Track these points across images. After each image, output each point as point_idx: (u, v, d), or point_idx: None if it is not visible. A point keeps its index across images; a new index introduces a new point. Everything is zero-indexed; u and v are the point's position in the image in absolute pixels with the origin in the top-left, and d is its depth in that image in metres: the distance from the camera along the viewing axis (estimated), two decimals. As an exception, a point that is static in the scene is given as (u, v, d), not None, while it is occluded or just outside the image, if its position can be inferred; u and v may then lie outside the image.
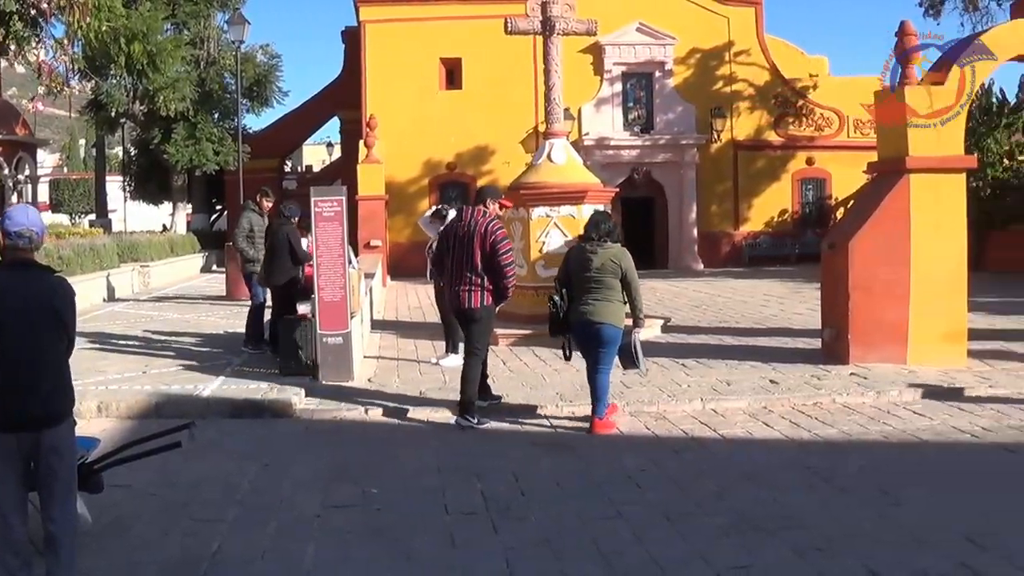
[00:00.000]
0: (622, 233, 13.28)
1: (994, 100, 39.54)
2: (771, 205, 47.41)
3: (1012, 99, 40.98)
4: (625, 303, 12.67)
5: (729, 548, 8.11)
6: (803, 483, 10.13)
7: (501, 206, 14.42)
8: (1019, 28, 18.28)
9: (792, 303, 27.17)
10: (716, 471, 10.66)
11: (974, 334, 18.17)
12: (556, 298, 12.88)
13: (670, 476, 10.39)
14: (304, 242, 17.38)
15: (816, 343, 18.08)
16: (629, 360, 12.90)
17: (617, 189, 28.44)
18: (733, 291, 31.69)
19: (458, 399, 13.24)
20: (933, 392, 14.66)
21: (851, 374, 15.82)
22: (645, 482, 10.14)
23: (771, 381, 15.33)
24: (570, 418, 13.34)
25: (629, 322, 12.85)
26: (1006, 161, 38.07)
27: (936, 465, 11.01)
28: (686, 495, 9.67)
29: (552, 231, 20.01)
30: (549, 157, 20.95)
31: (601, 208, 19.06)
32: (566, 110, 26.47)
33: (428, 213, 19.53)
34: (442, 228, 14.77)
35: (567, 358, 13.31)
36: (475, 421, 13.00)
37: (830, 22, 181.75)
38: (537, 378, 15.66)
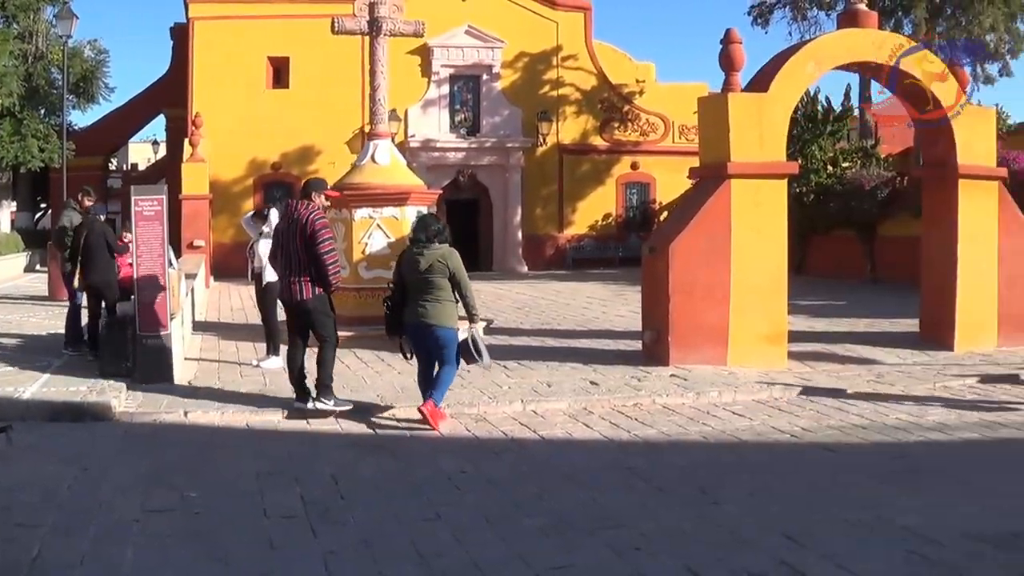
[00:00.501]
0: (450, 235, 13.34)
1: (819, 108, 40.29)
2: (595, 209, 47.84)
3: (838, 107, 41.82)
4: (457, 302, 12.79)
5: (548, 548, 8.12)
6: (622, 483, 10.21)
7: (327, 197, 14.46)
8: (845, 38, 18.73)
9: (614, 305, 27.42)
10: (536, 472, 10.70)
11: (795, 336, 18.61)
12: (389, 300, 13.06)
13: (490, 478, 10.39)
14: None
15: (637, 345, 18.28)
16: (470, 355, 12.96)
17: (441, 191, 28.44)
18: (556, 293, 31.89)
19: (294, 394, 13.51)
20: (756, 392, 14.98)
21: (671, 375, 16.05)
22: (465, 484, 10.14)
23: (592, 383, 15.45)
24: (391, 420, 13.28)
25: (465, 323, 12.99)
26: (830, 168, 38.77)
27: (755, 465, 11.20)
28: (505, 496, 9.67)
29: (375, 232, 19.92)
30: (373, 158, 20.85)
31: (424, 210, 19.09)
32: (392, 111, 26.44)
33: (250, 214, 19.40)
34: (273, 224, 14.82)
35: (406, 358, 13.34)
36: (331, 403, 13.18)
37: (658, 28, 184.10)
38: (358, 380, 15.57)
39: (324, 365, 13.27)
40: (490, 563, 7.74)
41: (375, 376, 15.86)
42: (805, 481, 10.40)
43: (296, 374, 13.49)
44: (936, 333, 19.98)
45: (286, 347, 14.04)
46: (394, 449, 11.81)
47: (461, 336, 12.94)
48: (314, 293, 13.14)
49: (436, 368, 13.05)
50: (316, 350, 13.45)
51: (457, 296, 12.77)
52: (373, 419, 13.28)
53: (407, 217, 19.61)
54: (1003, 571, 7.67)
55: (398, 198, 20.07)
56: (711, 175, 17.68)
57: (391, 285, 13.35)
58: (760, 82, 17.96)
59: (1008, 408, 14.39)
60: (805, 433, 12.72)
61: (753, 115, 17.45)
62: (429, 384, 13.05)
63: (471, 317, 13.02)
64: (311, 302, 13.16)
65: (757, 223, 17.26)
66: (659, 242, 17.61)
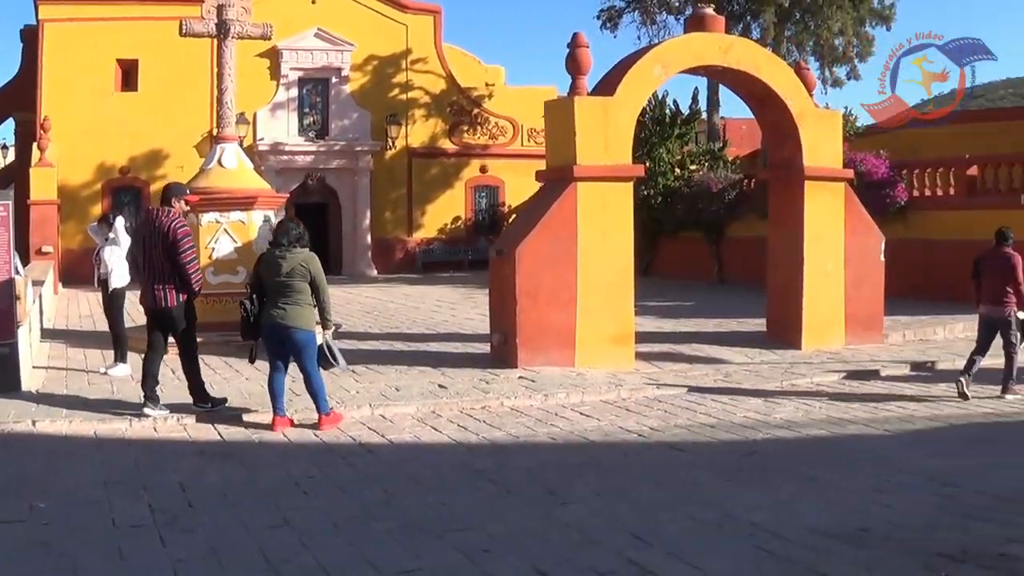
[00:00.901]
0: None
1: (667, 111, 40.64)
2: (445, 212, 47.82)
3: (686, 110, 42.23)
4: (314, 306, 12.81)
5: (396, 552, 8.10)
6: (470, 486, 10.25)
7: (187, 202, 14.57)
8: (691, 42, 18.97)
9: (464, 308, 27.47)
10: (384, 476, 10.67)
11: (643, 337, 18.79)
12: (247, 303, 12.95)
13: (337, 482, 10.35)
14: None
15: (486, 348, 18.40)
16: (326, 360, 13.02)
17: (289, 195, 28.28)
18: (406, 297, 31.86)
19: (140, 399, 13.47)
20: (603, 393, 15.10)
21: (519, 378, 16.16)
22: (312, 489, 10.10)
23: (440, 386, 15.48)
24: (239, 426, 13.14)
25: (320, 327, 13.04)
26: (677, 170, 39.18)
27: (603, 465, 11.28)
28: (353, 501, 9.65)
29: (222, 237, 19.65)
30: (220, 162, 20.60)
31: (272, 215, 19.04)
32: (240, 115, 26.21)
33: (96, 221, 19.17)
34: (119, 231, 14.77)
35: (251, 361, 13.44)
36: (210, 405, 13.56)
37: (508, 32, 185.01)
38: (206, 387, 15.41)
39: (193, 374, 13.53)
40: (338, 567, 7.70)
41: (223, 383, 15.66)
42: (653, 480, 10.49)
43: (151, 380, 13.41)
44: (783, 332, 20.35)
45: (135, 354, 13.92)
46: (242, 455, 11.68)
47: (318, 341, 12.99)
48: (178, 300, 13.22)
49: (286, 373, 13.10)
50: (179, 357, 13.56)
51: (314, 300, 12.79)
52: (221, 425, 13.14)
53: (254, 221, 19.46)
54: (851, 566, 7.79)
55: (245, 202, 19.85)
56: (558, 178, 17.80)
57: (248, 287, 13.39)
58: (606, 86, 18.11)
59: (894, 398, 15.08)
60: (653, 432, 12.87)
61: (599, 118, 17.59)
62: (280, 389, 13.03)
63: (325, 322, 13.04)
64: (175, 310, 13.25)
65: (603, 226, 17.42)
66: (506, 245, 17.69)
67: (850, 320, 20.64)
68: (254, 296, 12.93)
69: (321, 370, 13.10)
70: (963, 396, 15.43)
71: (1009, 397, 15.70)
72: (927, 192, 29.74)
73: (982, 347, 16.25)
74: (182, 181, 17.54)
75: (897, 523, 8.86)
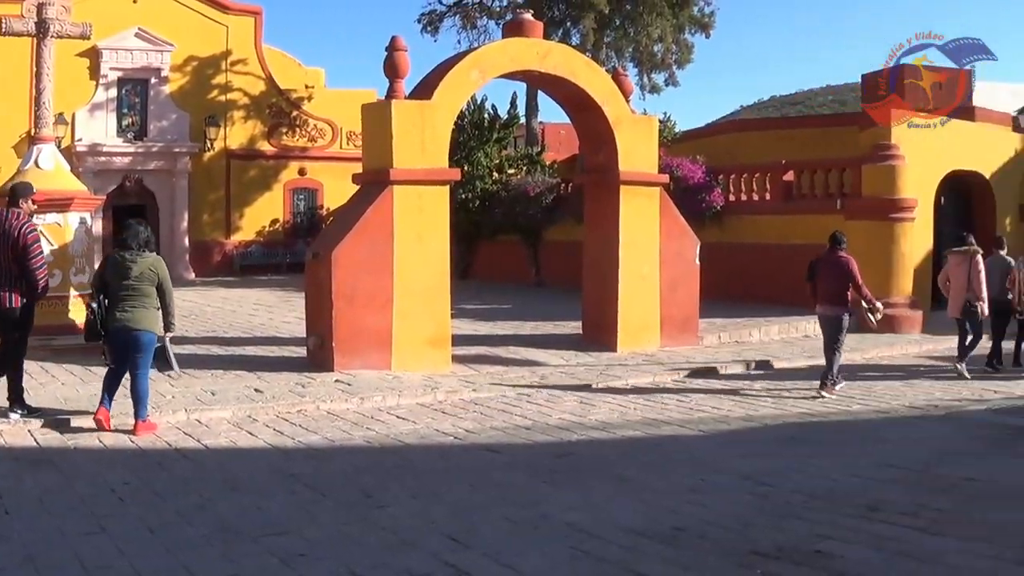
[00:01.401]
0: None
1: (486, 115, 40.74)
2: (263, 214, 47.39)
3: (504, 115, 42.38)
4: (159, 309, 12.81)
5: (213, 557, 8.06)
6: (287, 490, 10.22)
7: (34, 201, 14.33)
8: (509, 47, 19.09)
9: (281, 312, 27.29)
10: (199, 481, 10.59)
11: (460, 340, 18.91)
12: (94, 305, 12.89)
13: (154, 488, 10.23)
14: None
15: (303, 351, 18.29)
16: (165, 363, 13.11)
17: (104, 197, 27.85)
18: (224, 300, 31.51)
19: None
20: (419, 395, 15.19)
21: (336, 381, 16.17)
22: (128, 495, 9.95)
23: (256, 390, 15.40)
24: (55, 432, 12.88)
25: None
26: (496, 174, 39.31)
27: (419, 468, 11.34)
28: (169, 506, 9.54)
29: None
30: (36, 163, 20.16)
31: (87, 216, 18.85)
32: (59, 115, 25.71)
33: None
34: None
35: (107, 364, 13.25)
36: (26, 411, 13.22)
37: (330, 34, 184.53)
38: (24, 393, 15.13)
39: (17, 379, 13.32)
40: (154, 573, 7.64)
41: (39, 388, 15.26)
42: (468, 482, 10.59)
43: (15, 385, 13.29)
44: (599, 335, 20.60)
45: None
46: (58, 462, 11.45)
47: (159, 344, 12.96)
48: (23, 302, 13.07)
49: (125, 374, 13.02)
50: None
51: (160, 304, 12.81)
52: (37, 431, 12.90)
53: (70, 224, 19.15)
54: (666, 565, 7.92)
55: (61, 204, 19.47)
56: (374, 181, 17.83)
57: (93, 289, 13.40)
58: (424, 90, 18.19)
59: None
60: (469, 435, 12.99)
61: (416, 122, 17.67)
62: (114, 388, 13.05)
63: (168, 325, 13.04)
64: (19, 310, 13.09)
65: (419, 229, 17.52)
66: (322, 248, 17.66)
67: (665, 322, 21.00)
68: (101, 298, 12.85)
69: (167, 371, 13.30)
70: (822, 389, 16.59)
71: (826, 395, 16.45)
72: (743, 197, 30.30)
73: (829, 345, 17.20)
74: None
75: (712, 522, 9.03)
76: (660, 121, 33.96)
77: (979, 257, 19.41)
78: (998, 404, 16.18)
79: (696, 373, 18.50)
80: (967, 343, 19.50)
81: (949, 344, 22.52)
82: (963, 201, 31.02)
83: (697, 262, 21.61)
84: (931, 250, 28.11)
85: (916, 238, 26.48)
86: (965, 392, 17.31)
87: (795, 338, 23.90)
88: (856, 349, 20.32)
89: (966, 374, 18.91)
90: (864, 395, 16.77)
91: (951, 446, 12.81)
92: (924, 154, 27.47)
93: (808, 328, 24.27)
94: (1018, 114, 39.68)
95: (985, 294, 19.21)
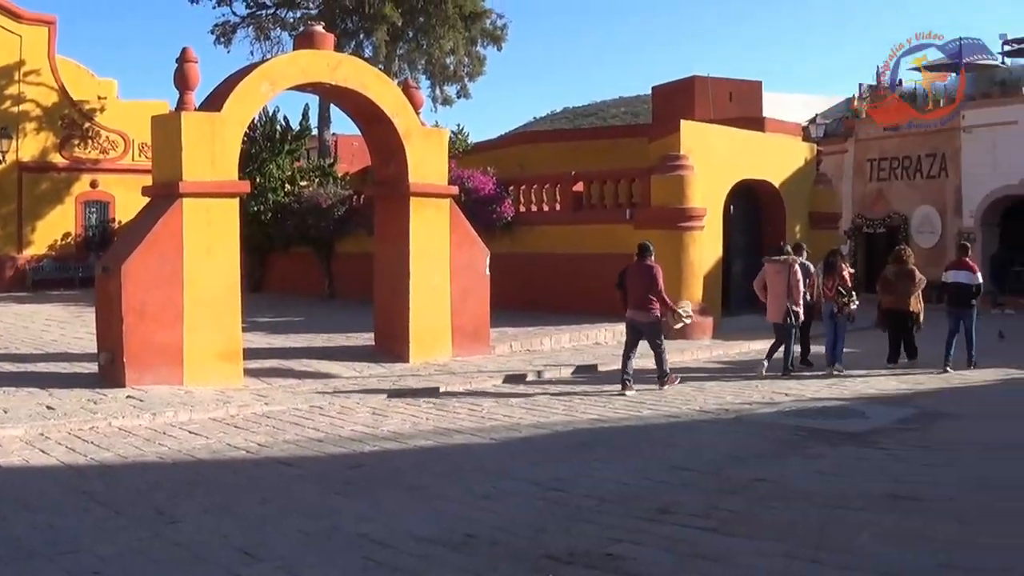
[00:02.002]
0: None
1: (278, 127, 40.40)
2: (55, 228, 46.34)
3: (297, 126, 42.08)
4: None
5: (3, 577, 7.88)
6: (79, 507, 10.00)
7: None
8: (299, 59, 19.00)
9: (73, 327, 26.71)
10: (-11, 500, 10.31)
11: (253, 353, 18.76)
12: None
13: (-63, 509, 9.94)
14: None
15: (95, 367, 17.93)
16: None
17: None
18: (16, 316, 30.70)
19: None
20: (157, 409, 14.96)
21: (128, 397, 15.85)
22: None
23: (48, 407, 14.98)
24: None
25: None
26: (288, 186, 39.00)
27: (212, 482, 11.19)
28: (-45, 528, 9.27)
29: None
30: None
31: None
32: None
33: None
34: None
35: None
36: None
37: (123, 45, 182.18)
38: None
39: None
40: (-61, 596, 7.47)
41: None
42: (261, 496, 10.48)
43: None
44: (392, 346, 20.60)
45: None
46: None
47: None
48: None
49: None
50: None
51: None
52: None
53: None
54: (458, 572, 7.97)
55: None
56: (164, 194, 17.57)
57: None
58: (215, 101, 18.00)
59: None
60: (262, 448, 12.86)
61: (206, 134, 17.47)
62: None
63: None
64: None
65: (209, 242, 17.33)
66: (112, 262, 17.33)
67: (457, 332, 21.11)
68: None
69: None
70: (625, 388, 17.69)
71: (667, 388, 17.95)
72: (534, 208, 30.53)
73: (631, 347, 18.35)
74: None
75: (504, 528, 9.10)
76: (453, 133, 34.11)
77: (797, 266, 20.43)
78: (788, 407, 16.59)
79: (494, 380, 18.57)
80: (786, 346, 20.73)
81: (739, 349, 23.19)
82: (753, 209, 31.74)
83: (487, 272, 21.76)
84: (721, 258, 28.75)
85: (706, 246, 26.98)
86: (755, 396, 17.75)
87: (586, 346, 24.22)
88: (647, 355, 20.64)
89: (764, 373, 20.04)
90: (655, 400, 17.07)
91: (742, 449, 13.10)
92: (714, 164, 28.09)
93: (599, 336, 24.65)
94: (808, 124, 40.81)
95: (803, 300, 20.39)
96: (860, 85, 49.86)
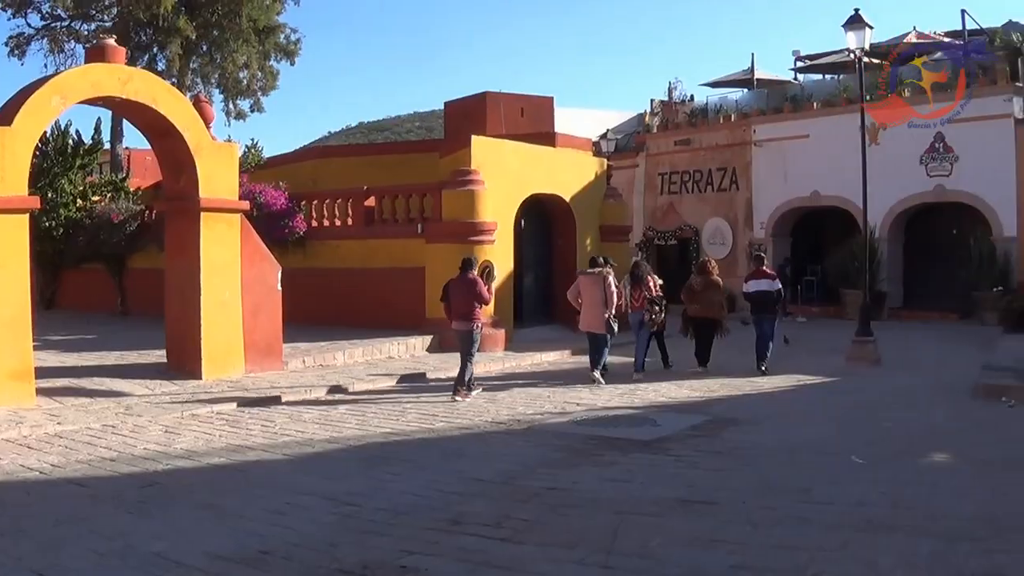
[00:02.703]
0: None
1: (70, 141, 39.62)
2: None
3: (89, 140, 41.33)
4: None
5: None
6: None
7: None
8: (89, 72, 18.75)
9: None
10: None
11: (45, 372, 18.53)
12: None
13: None
14: None
15: None
16: None
17: None
18: None
19: None
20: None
21: (-88, 420, 15.46)
22: None
23: None
24: None
25: None
26: (80, 201, 38.26)
27: (4, 504, 11.02)
28: None
29: None
30: None
31: None
32: None
33: None
34: None
35: None
36: None
37: None
38: None
39: None
40: None
41: None
42: (54, 517, 10.33)
43: None
44: (184, 363, 20.46)
45: None
46: None
47: None
48: None
49: None
50: None
51: None
52: None
53: None
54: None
55: None
56: (-53, 211, 17.22)
57: None
58: (4, 115, 17.64)
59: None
60: (55, 469, 12.69)
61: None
62: None
63: None
64: None
65: (-2, 259, 17.00)
66: None
67: (249, 349, 21.05)
68: None
69: None
70: (463, 396, 18.71)
71: (459, 399, 18.44)
72: (326, 222, 30.57)
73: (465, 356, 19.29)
74: None
75: (298, 543, 9.19)
76: (247, 148, 33.92)
77: (611, 278, 21.42)
78: (580, 416, 16.89)
79: (278, 398, 18.63)
80: (602, 351, 21.93)
81: (532, 360, 23.57)
82: (544, 223, 32.20)
83: (279, 288, 21.74)
84: (512, 271, 29.10)
85: (497, 260, 27.22)
86: (547, 406, 18.04)
87: (379, 360, 24.33)
88: (440, 368, 20.82)
89: (601, 380, 20.93)
90: (447, 412, 17.25)
91: (534, 458, 13.31)
92: (505, 179, 28.45)
93: (392, 350, 24.81)
94: (600, 139, 41.37)
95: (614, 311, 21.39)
96: (652, 101, 50.96)
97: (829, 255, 40.16)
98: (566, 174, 32.41)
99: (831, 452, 13.76)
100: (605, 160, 36.32)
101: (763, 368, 22.69)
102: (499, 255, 27.46)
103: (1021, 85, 36.12)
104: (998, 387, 18.89)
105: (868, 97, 33.80)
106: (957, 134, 36.25)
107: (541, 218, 31.98)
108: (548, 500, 10.89)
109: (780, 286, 23.53)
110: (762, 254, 25.49)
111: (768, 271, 23.92)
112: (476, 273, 19.84)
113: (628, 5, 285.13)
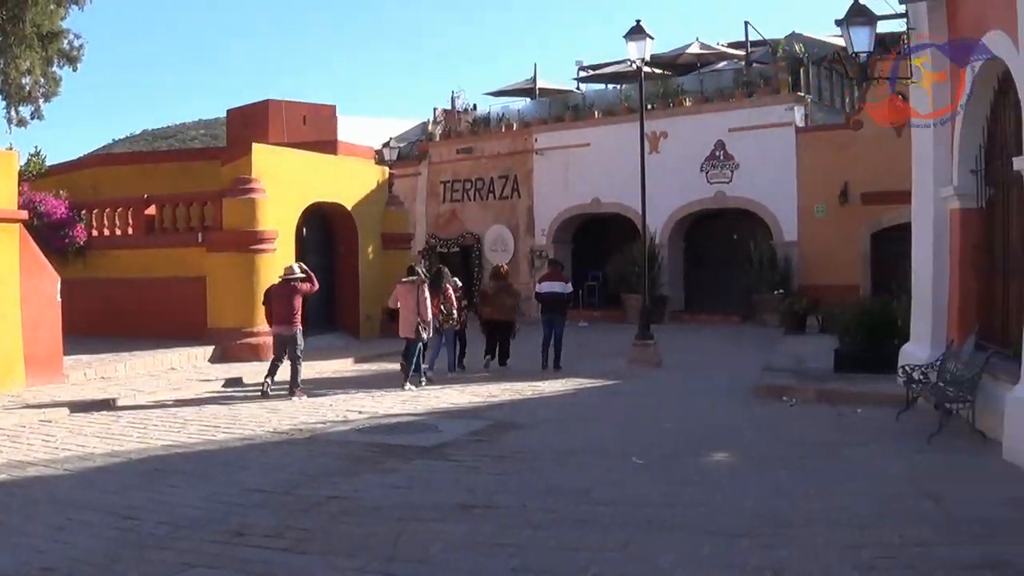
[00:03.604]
0: None
1: None
2: None
3: None
4: None
5: None
6: None
7: None
8: None
9: None
10: None
11: None
12: None
13: None
14: None
15: None
16: None
17: None
18: None
19: None
20: None
21: None
22: None
23: None
24: None
25: None
26: None
27: None
28: None
29: None
30: None
31: None
32: None
33: None
34: None
35: None
36: None
37: None
38: None
39: None
40: None
41: None
42: None
43: None
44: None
45: None
46: None
47: None
48: None
49: None
50: None
51: None
52: None
53: None
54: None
55: None
56: None
57: None
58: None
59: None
60: None
61: None
62: None
63: None
64: None
65: None
66: None
67: (30, 361, 20.69)
68: None
69: None
70: (265, 395, 19.99)
71: (295, 399, 19.78)
72: (107, 232, 30.07)
73: (279, 358, 20.69)
74: None
75: (80, 559, 9.13)
76: (30, 156, 33.20)
77: (425, 286, 22.07)
78: (362, 424, 17.03)
79: (66, 409, 18.32)
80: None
81: (319, 369, 23.81)
82: (326, 231, 32.27)
83: (59, 299, 21.46)
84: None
85: (279, 269, 27.11)
86: (329, 414, 18.09)
87: (161, 371, 24.15)
88: (217, 378, 20.77)
89: (412, 386, 21.59)
90: (229, 423, 17.21)
91: (315, 467, 13.40)
92: (286, 187, 28.45)
93: (174, 360, 24.63)
94: (382, 147, 41.45)
95: (431, 316, 22.29)
96: (435, 109, 51.10)
97: (611, 260, 40.76)
98: (348, 182, 32.58)
99: (612, 454, 14.13)
100: (387, 168, 36.55)
101: (559, 366, 23.98)
102: (280, 264, 27.34)
103: (802, 95, 37.41)
104: (779, 387, 19.73)
105: (650, 106, 34.54)
106: (739, 142, 37.63)
107: (323, 226, 32.11)
108: (330, 509, 10.99)
109: (571, 289, 25.31)
110: (558, 260, 28.53)
111: (562, 275, 25.47)
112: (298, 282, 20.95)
113: (412, 15, 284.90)
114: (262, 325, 24.06)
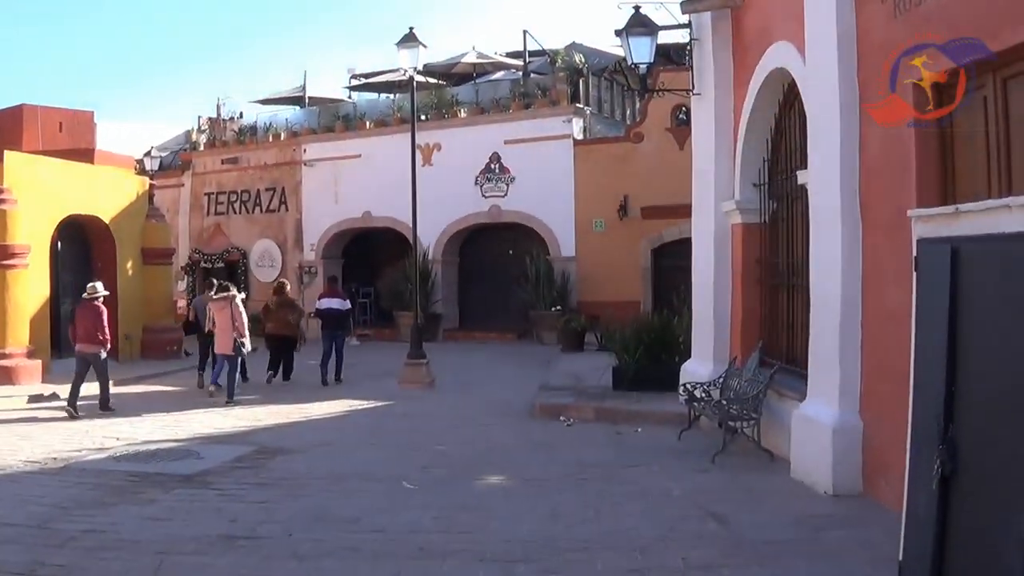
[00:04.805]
0: None
1: None
2: None
3: None
4: None
5: None
6: None
7: None
8: None
9: None
10: None
11: None
12: None
13: None
14: None
15: None
16: None
17: None
18: None
19: None
20: None
21: None
22: None
23: None
24: None
25: None
26: None
27: None
28: None
29: None
30: None
31: None
32: None
33: None
34: None
35: None
36: None
37: None
38: None
39: None
40: None
41: None
42: None
43: None
44: None
45: None
46: None
47: None
48: None
49: None
50: None
51: None
52: None
53: None
54: None
55: None
56: None
57: None
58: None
59: None
60: None
61: None
62: None
63: None
64: None
65: None
66: None
67: None
68: None
69: None
70: (73, 417, 19.85)
71: (75, 412, 19.96)
72: None
73: (81, 377, 20.60)
74: None
75: None
76: None
77: (239, 301, 23.09)
78: (120, 451, 16.22)
79: None
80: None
81: (70, 392, 22.35)
82: (83, 246, 30.99)
83: None
84: (49, 297, 27.78)
85: (32, 286, 25.94)
86: (86, 441, 17.23)
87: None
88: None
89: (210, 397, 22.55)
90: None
91: (69, 499, 12.64)
92: (40, 198, 27.22)
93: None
94: (144, 156, 40.22)
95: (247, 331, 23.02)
96: (199, 117, 49.86)
97: (383, 276, 40.32)
98: (106, 193, 31.28)
99: (381, 478, 13.83)
100: (147, 179, 35.42)
101: (340, 379, 25.56)
102: (33, 281, 26.09)
103: (581, 106, 37.18)
104: (556, 406, 19.56)
105: (423, 116, 33.97)
106: (515, 155, 37.35)
107: (81, 240, 30.82)
108: (84, 543, 10.36)
109: (349, 306, 26.61)
110: (336, 276, 29.84)
111: (339, 291, 26.86)
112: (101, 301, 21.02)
113: (177, 18, 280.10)
114: (14, 347, 22.99)
